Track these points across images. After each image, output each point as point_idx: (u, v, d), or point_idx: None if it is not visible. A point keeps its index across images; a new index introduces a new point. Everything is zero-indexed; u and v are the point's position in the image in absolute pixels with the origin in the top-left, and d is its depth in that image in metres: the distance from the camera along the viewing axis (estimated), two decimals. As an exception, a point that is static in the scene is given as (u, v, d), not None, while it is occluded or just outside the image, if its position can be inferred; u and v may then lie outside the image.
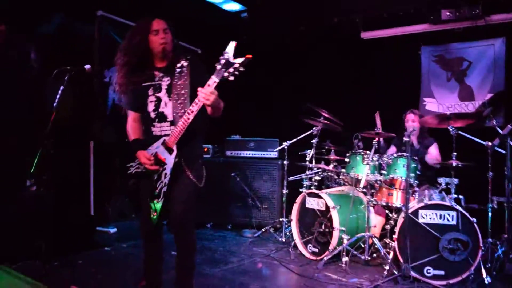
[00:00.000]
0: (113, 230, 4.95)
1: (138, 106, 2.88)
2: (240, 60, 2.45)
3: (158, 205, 2.75)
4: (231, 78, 2.47)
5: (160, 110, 2.83)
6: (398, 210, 4.11)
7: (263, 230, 4.95)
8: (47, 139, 2.89)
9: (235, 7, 5.51)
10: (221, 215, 5.37)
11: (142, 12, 5.22)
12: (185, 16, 5.63)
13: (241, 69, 2.45)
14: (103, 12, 4.93)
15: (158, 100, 2.83)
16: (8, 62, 3.66)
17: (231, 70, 2.45)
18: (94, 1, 4.89)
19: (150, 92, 2.84)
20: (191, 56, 2.86)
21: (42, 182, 3.38)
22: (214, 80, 2.49)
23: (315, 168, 4.76)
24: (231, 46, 2.47)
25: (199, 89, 2.55)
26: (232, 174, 5.23)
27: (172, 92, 2.78)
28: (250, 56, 2.46)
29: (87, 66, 2.98)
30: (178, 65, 2.81)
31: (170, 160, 2.70)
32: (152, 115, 2.84)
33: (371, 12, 5.63)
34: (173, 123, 2.75)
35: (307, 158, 4.74)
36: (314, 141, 4.69)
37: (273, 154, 5.33)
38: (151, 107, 2.84)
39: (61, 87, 2.84)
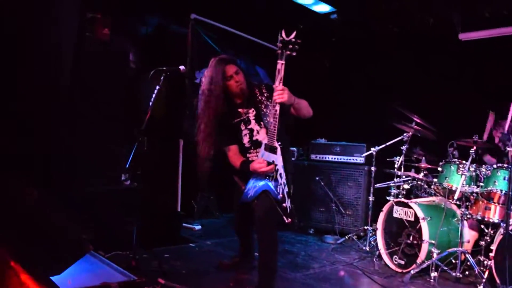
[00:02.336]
0: (198, 227, 5.11)
1: (234, 140, 3.19)
2: (293, 34, 2.69)
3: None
4: (294, 53, 2.70)
5: (254, 138, 3.14)
6: (495, 226, 3.80)
7: (346, 237, 4.81)
8: (142, 136, 3.04)
9: (325, 8, 5.42)
10: (303, 219, 5.31)
11: (233, 15, 5.44)
12: (275, 18, 5.68)
13: (299, 41, 2.67)
14: (196, 15, 5.11)
15: (251, 131, 3.15)
16: (109, 62, 3.90)
17: (290, 46, 2.68)
18: (187, 4, 5.08)
19: (242, 126, 3.17)
20: (263, 84, 3.24)
21: (136, 177, 3.58)
22: (281, 62, 2.71)
23: (404, 176, 4.54)
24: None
25: (274, 93, 2.78)
26: (317, 178, 5.14)
27: (262, 120, 3.10)
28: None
29: (182, 67, 3.11)
30: (257, 93, 3.15)
31: (278, 158, 2.87)
32: (247, 145, 3.16)
33: (471, 12, 5.26)
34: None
35: (396, 165, 4.53)
36: (403, 147, 4.47)
37: (360, 159, 5.16)
38: (246, 139, 3.16)
39: (157, 87, 2.98)
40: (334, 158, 5.33)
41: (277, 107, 2.76)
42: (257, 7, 5.18)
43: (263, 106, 3.09)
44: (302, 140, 5.51)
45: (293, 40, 2.68)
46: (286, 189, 2.83)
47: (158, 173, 4.78)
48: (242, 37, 5.72)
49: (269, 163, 2.87)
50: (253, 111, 3.15)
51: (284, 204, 2.83)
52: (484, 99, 4.99)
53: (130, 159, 3.13)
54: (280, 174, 2.85)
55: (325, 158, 5.39)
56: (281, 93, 2.74)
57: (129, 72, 4.32)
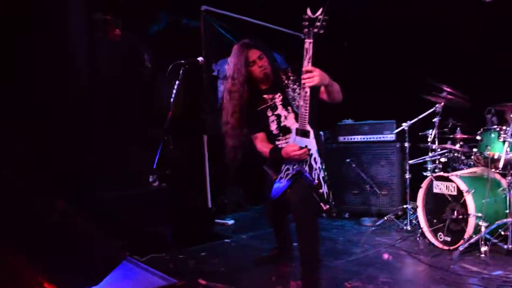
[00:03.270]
0: (230, 222, 5.01)
1: (261, 127, 3.07)
2: (320, 10, 2.56)
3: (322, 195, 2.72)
4: (322, 31, 2.58)
5: (282, 124, 3.01)
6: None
7: (385, 218, 4.63)
8: (167, 135, 2.94)
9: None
10: (337, 203, 5.14)
11: (245, 2, 5.27)
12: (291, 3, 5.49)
13: (326, 17, 2.55)
14: (206, 6, 4.97)
15: (278, 117, 3.02)
16: (124, 63, 3.82)
17: (317, 24, 2.56)
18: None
19: (269, 113, 3.04)
20: (290, 67, 3.09)
21: (164, 177, 3.49)
22: (308, 41, 2.59)
23: (439, 149, 4.33)
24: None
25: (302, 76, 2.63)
26: (347, 160, 4.97)
27: (290, 105, 2.98)
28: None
29: (200, 59, 2.99)
30: (283, 78, 3.01)
31: (311, 143, 2.76)
32: (276, 131, 3.04)
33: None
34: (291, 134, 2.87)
35: (429, 139, 4.33)
36: (436, 119, 4.26)
37: (390, 136, 4.97)
38: (273, 126, 3.04)
39: (177, 82, 2.86)
40: (363, 138, 5.16)
41: (307, 89, 2.62)
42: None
43: (290, 90, 2.94)
44: (327, 122, 5.34)
45: (320, 17, 2.54)
46: (322, 174, 2.70)
47: (185, 171, 4.70)
48: (256, 24, 5.55)
49: (301, 148, 2.74)
50: (279, 96, 3.02)
51: (320, 190, 2.70)
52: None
53: (156, 159, 3.02)
54: (315, 158, 2.72)
55: (354, 139, 5.22)
56: (310, 76, 2.58)
57: (145, 72, 4.22)
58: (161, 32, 4.71)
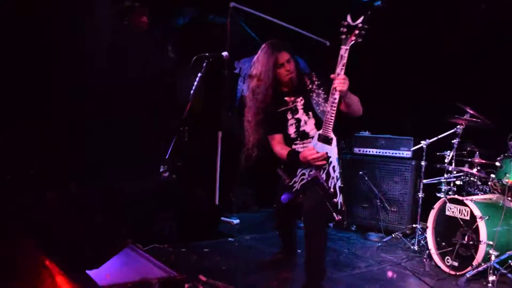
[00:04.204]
0: (236, 221, 4.97)
1: (279, 129, 3.02)
2: (360, 19, 2.51)
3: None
4: (360, 39, 2.52)
5: (301, 129, 2.95)
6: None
7: (392, 235, 4.55)
8: (183, 126, 2.90)
9: (370, -5, 5.16)
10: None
11: (273, 4, 5.24)
12: (315, 7, 5.46)
13: (366, 26, 2.49)
14: (235, 3, 4.95)
15: (298, 121, 2.96)
16: (147, 51, 3.80)
17: (356, 32, 2.50)
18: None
19: (289, 116, 2.99)
20: (315, 71, 3.02)
21: (176, 168, 3.46)
22: (344, 48, 2.53)
23: (455, 172, 4.25)
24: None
25: (334, 79, 2.58)
26: (360, 172, 4.90)
27: (312, 109, 2.91)
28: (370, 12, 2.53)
29: (225, 53, 2.94)
30: (307, 82, 2.95)
31: (333, 150, 2.69)
32: (293, 135, 2.99)
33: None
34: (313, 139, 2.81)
35: (446, 160, 4.25)
36: (455, 141, 4.18)
37: (406, 153, 4.88)
38: (292, 129, 2.98)
39: (199, 74, 2.82)
40: (379, 152, 5.08)
41: (337, 95, 2.57)
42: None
43: (314, 95, 2.89)
44: (344, 132, 5.27)
45: (360, 25, 2.49)
46: (339, 184, 2.64)
47: (197, 165, 4.67)
48: (282, 26, 5.52)
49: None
50: (301, 99, 2.96)
51: (335, 200, 2.64)
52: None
53: (170, 150, 3.00)
54: (334, 167, 2.66)
55: (369, 152, 5.15)
56: (342, 82, 2.54)
57: (167, 62, 4.20)
58: (186, 25, 4.69)
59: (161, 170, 4.25)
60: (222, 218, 4.87)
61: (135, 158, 3.98)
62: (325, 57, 6.00)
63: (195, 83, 2.84)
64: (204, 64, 2.85)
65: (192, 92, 2.87)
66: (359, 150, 5.21)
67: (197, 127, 4.30)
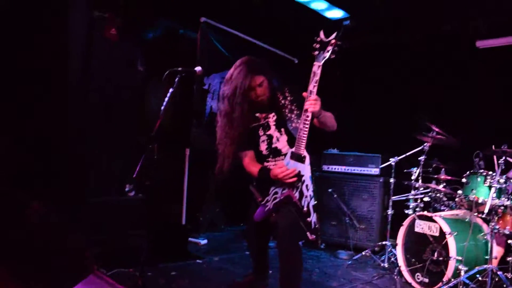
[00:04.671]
0: (204, 242, 4.83)
1: (251, 145, 2.92)
2: (333, 34, 2.47)
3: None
4: (333, 56, 2.48)
5: (273, 146, 2.86)
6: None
7: (362, 253, 4.54)
8: (152, 143, 2.79)
9: (338, 14, 5.22)
10: (315, 233, 5.05)
11: (245, 21, 5.23)
12: (285, 23, 5.48)
13: (339, 42, 2.46)
14: (206, 18, 4.90)
15: (270, 137, 2.87)
16: (116, 64, 3.69)
17: (329, 48, 2.47)
18: (198, 8, 4.86)
19: (261, 132, 2.90)
20: (287, 87, 2.93)
21: (143, 188, 3.33)
22: (317, 65, 2.48)
23: (422, 188, 4.31)
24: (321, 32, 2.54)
25: (306, 99, 2.54)
26: (329, 190, 4.89)
27: (284, 126, 2.83)
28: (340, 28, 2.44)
29: (198, 68, 2.85)
30: (280, 97, 2.87)
31: (306, 168, 2.62)
32: (265, 152, 2.89)
33: (490, 18, 5.09)
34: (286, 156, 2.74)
35: (413, 177, 4.31)
36: (421, 158, 4.25)
37: (375, 170, 4.92)
38: (263, 146, 2.89)
39: (171, 90, 2.72)
40: (347, 169, 5.10)
41: (309, 113, 2.53)
42: (266, 11, 4.97)
43: (287, 111, 2.83)
44: (313, 149, 5.27)
45: (333, 41, 2.46)
46: (312, 202, 2.58)
47: (164, 183, 4.53)
48: (253, 44, 5.51)
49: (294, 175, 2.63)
50: (273, 115, 2.89)
51: (308, 219, 2.58)
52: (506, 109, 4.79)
53: (138, 168, 2.86)
54: (307, 185, 2.61)
55: (338, 169, 5.16)
56: (314, 102, 2.50)
57: (136, 76, 4.09)
58: (157, 38, 4.60)
59: (126, 189, 4.10)
60: (190, 238, 4.73)
61: (99, 175, 3.82)
62: (293, 74, 6.03)
63: (166, 99, 2.73)
64: (177, 79, 2.74)
65: (163, 108, 2.76)
66: (328, 168, 5.22)
67: (165, 143, 4.20)
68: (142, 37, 4.35)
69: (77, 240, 2.10)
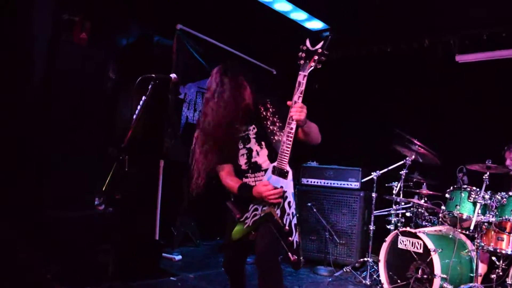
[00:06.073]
0: (178, 257, 4.61)
1: (229, 159, 2.71)
2: (320, 44, 2.32)
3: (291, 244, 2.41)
4: (319, 66, 2.33)
5: (253, 160, 2.66)
6: (507, 258, 3.50)
7: (344, 270, 4.39)
8: (123, 155, 2.58)
9: (318, 25, 5.13)
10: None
11: (222, 29, 5.09)
12: (264, 33, 5.37)
13: (326, 52, 2.31)
14: (182, 26, 4.72)
15: (249, 151, 2.69)
16: (85, 71, 3.47)
17: (315, 57, 2.32)
18: (174, 14, 4.69)
19: (240, 145, 2.70)
20: (269, 99, 2.74)
21: (113, 201, 3.12)
22: (303, 74, 2.33)
23: (403, 203, 4.22)
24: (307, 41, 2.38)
25: (291, 108, 2.37)
26: (308, 204, 4.73)
27: (265, 139, 2.65)
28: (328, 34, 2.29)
29: (173, 75, 2.66)
30: (261, 109, 2.70)
31: (288, 184, 2.43)
32: (244, 167, 2.69)
33: (468, 33, 5.10)
34: (267, 171, 2.56)
35: (394, 191, 4.20)
36: (403, 172, 4.15)
37: (355, 184, 4.81)
38: (242, 160, 2.69)
39: (143, 97, 2.53)
40: (327, 183, 4.97)
41: (293, 125, 2.36)
42: (246, 21, 4.84)
43: (268, 123, 2.66)
44: (291, 163, 5.14)
45: (320, 50, 2.32)
46: (294, 221, 2.41)
47: (136, 197, 4.30)
48: (231, 53, 5.35)
49: (275, 189, 2.46)
50: (254, 128, 2.71)
51: (290, 238, 2.41)
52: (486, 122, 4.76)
53: (108, 181, 2.65)
54: (289, 202, 2.43)
55: (317, 182, 5.02)
56: (300, 110, 2.34)
57: (107, 84, 3.87)
58: (130, 45, 4.40)
59: (96, 202, 3.85)
60: (163, 254, 4.50)
61: (67, 188, 3.57)
62: (272, 85, 5.91)
63: (139, 107, 2.53)
64: (150, 86, 2.55)
65: (135, 117, 2.56)
66: (307, 181, 5.08)
67: (137, 155, 3.98)
68: (115, 43, 4.14)
69: (31, 261, 1.87)
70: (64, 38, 3.36)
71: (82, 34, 3.41)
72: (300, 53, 2.38)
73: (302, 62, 2.36)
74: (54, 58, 3.04)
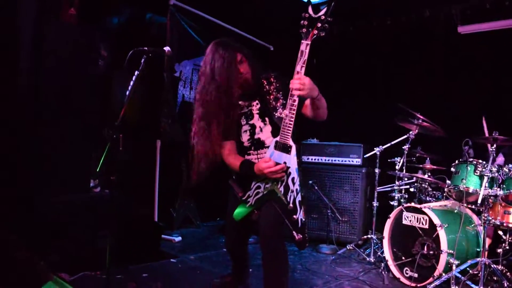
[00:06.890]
0: (178, 239, 4.53)
1: (232, 136, 2.63)
2: (323, 10, 2.22)
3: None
4: (322, 34, 2.23)
5: (256, 137, 2.59)
6: (513, 232, 3.44)
7: (347, 247, 4.33)
8: (117, 133, 2.45)
9: (316, -2, 4.95)
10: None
11: (216, 4, 4.91)
12: (260, 9, 5.20)
13: (329, 19, 2.21)
14: (176, 1, 4.54)
15: (253, 127, 2.60)
16: (76, 50, 3.32)
17: (319, 24, 2.22)
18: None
19: (243, 121, 2.63)
20: (273, 74, 2.64)
21: (109, 183, 3.01)
22: (305, 43, 2.22)
23: (406, 179, 4.13)
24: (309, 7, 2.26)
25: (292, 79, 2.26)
26: (309, 182, 4.64)
27: (269, 115, 2.56)
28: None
29: (167, 48, 2.51)
30: (264, 83, 2.61)
31: (292, 160, 2.33)
32: (247, 144, 2.61)
33: (470, 3, 4.94)
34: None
35: (397, 167, 4.11)
36: (405, 147, 4.05)
37: (356, 161, 4.71)
38: (245, 137, 2.62)
39: (136, 72, 2.39)
40: (328, 160, 4.86)
41: (296, 97, 2.25)
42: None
43: (271, 98, 2.55)
44: (294, 137, 5.03)
45: (323, 17, 2.19)
46: (299, 198, 2.32)
47: (133, 178, 4.20)
48: (227, 29, 5.18)
49: (277, 164, 2.36)
50: (257, 103, 2.60)
51: (294, 216, 2.32)
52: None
53: (101, 162, 2.54)
54: (293, 179, 2.34)
55: (318, 159, 4.92)
56: (301, 83, 2.22)
57: (98, 63, 3.72)
58: (122, 24, 4.23)
59: (91, 184, 3.75)
60: (163, 236, 4.42)
61: (60, 170, 3.46)
62: (269, 61, 5.76)
63: (131, 83, 2.40)
64: (142, 60, 2.41)
65: (127, 93, 2.43)
66: (308, 158, 4.97)
67: (133, 135, 3.86)
68: (105, 20, 3.97)
69: (24, 250, 1.78)
70: (52, 15, 3.20)
71: (70, 10, 3.25)
72: (302, 21, 2.25)
73: (304, 30, 2.24)
74: (42, 39, 2.90)
